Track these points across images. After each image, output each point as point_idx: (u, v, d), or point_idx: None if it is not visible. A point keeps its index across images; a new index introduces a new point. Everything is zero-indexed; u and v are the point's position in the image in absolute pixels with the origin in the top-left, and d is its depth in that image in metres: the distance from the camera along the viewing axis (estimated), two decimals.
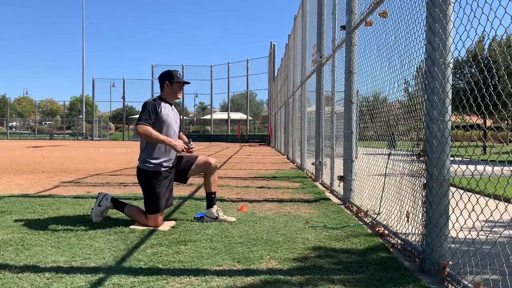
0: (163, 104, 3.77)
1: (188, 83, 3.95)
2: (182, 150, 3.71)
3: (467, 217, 2.25)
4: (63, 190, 5.92)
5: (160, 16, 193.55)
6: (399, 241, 3.08)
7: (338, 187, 5.62)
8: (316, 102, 7.67)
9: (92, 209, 3.84)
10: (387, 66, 3.62)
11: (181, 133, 4.04)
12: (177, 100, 3.97)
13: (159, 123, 3.69)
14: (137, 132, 3.63)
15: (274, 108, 26.73)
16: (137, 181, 3.82)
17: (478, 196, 2.19)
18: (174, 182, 3.89)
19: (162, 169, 3.70)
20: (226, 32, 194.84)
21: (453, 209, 2.41)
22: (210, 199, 3.92)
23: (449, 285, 2.29)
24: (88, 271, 2.43)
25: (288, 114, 15.27)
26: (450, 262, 2.40)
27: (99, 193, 3.89)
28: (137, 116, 3.77)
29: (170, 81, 3.81)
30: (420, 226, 2.67)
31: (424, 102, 2.59)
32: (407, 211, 3.00)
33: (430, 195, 2.50)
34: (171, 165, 3.79)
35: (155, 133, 3.61)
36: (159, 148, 3.70)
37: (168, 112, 3.78)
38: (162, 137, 3.63)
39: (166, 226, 3.65)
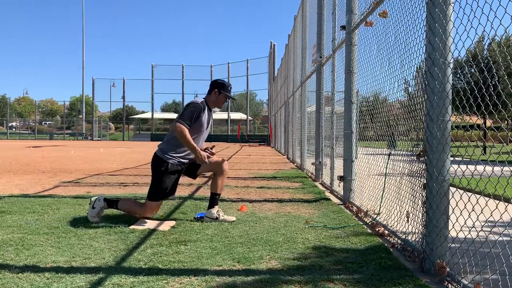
0: (206, 108, 3.91)
1: (234, 99, 4.10)
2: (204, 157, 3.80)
3: (467, 217, 2.25)
4: (63, 190, 5.92)
5: (160, 16, 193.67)
6: (399, 241, 3.08)
7: (338, 187, 5.62)
8: (316, 102, 7.67)
9: (87, 212, 3.87)
10: (387, 66, 3.63)
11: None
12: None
13: (196, 126, 3.82)
14: (174, 129, 3.71)
15: (274, 108, 26.74)
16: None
17: (478, 196, 2.19)
18: (182, 176, 3.98)
19: (176, 161, 3.80)
20: (226, 32, 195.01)
21: (453, 209, 2.41)
22: (213, 200, 3.93)
23: (449, 285, 2.29)
24: (88, 271, 2.43)
25: (288, 114, 15.26)
26: (450, 262, 2.40)
27: (90, 198, 3.94)
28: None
29: (220, 91, 3.95)
30: (420, 226, 2.67)
31: (424, 102, 2.59)
32: (407, 211, 3.00)
33: (430, 195, 2.50)
34: (185, 162, 3.88)
35: (188, 138, 3.70)
36: (182, 145, 3.78)
37: (207, 116, 3.92)
38: (192, 144, 3.72)
39: (166, 226, 3.65)
